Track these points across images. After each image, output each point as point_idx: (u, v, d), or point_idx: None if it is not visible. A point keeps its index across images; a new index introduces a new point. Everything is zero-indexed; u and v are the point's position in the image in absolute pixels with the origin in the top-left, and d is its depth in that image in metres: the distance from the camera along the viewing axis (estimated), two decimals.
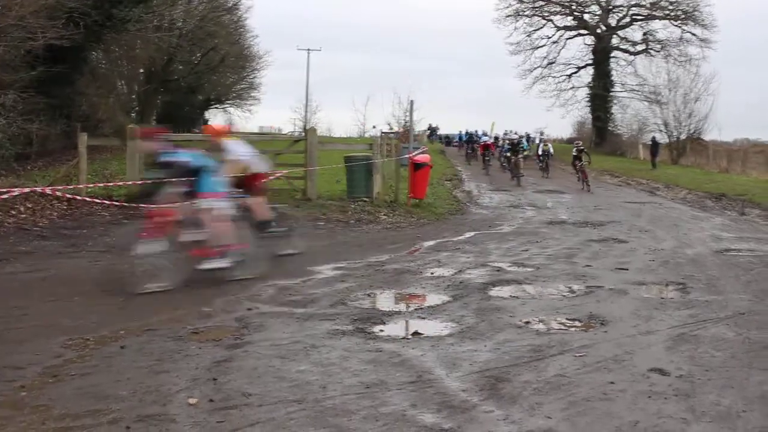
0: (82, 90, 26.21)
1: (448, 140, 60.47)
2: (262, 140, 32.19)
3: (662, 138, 46.19)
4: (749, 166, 36.50)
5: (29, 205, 14.71)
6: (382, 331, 7.33)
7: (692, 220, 17.35)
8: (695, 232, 15.13)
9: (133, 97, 39.88)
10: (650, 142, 42.56)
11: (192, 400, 5.26)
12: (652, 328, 7.44)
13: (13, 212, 14.18)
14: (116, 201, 15.31)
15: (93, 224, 14.44)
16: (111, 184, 16.92)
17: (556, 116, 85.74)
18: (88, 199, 14.85)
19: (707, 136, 47.91)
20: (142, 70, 37.67)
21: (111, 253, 11.53)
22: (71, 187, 16.17)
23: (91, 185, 16.79)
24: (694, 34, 50.98)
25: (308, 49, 66.32)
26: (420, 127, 56.76)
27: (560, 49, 54.82)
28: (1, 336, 6.88)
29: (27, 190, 13.45)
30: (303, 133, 27.77)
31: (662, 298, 8.99)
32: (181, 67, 43.21)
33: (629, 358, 6.40)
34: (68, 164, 19.09)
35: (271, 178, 16.96)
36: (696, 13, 50.87)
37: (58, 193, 15.36)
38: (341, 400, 5.33)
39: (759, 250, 12.59)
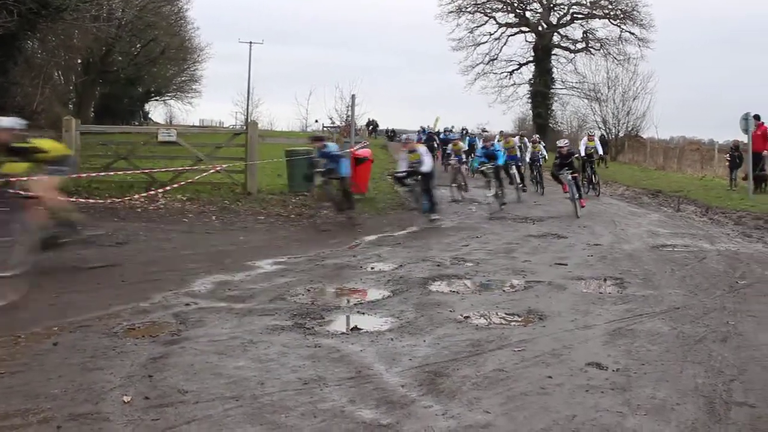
0: (16, 80, 25.62)
1: (392, 135, 60.46)
2: (202, 133, 31.92)
3: (602, 135, 46.90)
4: (685, 163, 37.27)
5: None
6: (321, 326, 7.28)
7: (629, 216, 17.61)
8: (632, 228, 15.36)
9: (71, 88, 39.17)
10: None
11: (126, 398, 5.16)
12: (590, 322, 7.52)
13: None
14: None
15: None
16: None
17: (497, 112, 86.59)
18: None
19: (645, 134, 48.86)
20: (79, 61, 37.04)
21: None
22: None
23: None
24: (632, 34, 51.79)
25: (250, 42, 65.86)
26: (361, 122, 56.68)
27: (502, 46, 55.23)
28: None
29: None
30: (244, 127, 27.48)
31: (600, 293, 9.10)
32: (120, 58, 42.61)
33: (567, 353, 6.46)
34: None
35: (211, 171, 16.81)
36: (634, 12, 51.67)
37: None
38: (279, 396, 5.28)
39: (694, 246, 12.83)
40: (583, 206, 17.39)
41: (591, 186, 22.66)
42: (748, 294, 8.97)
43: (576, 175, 18.11)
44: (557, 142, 20.22)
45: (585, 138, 24.58)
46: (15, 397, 5.15)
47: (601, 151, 25.59)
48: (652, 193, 24.14)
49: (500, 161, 18.70)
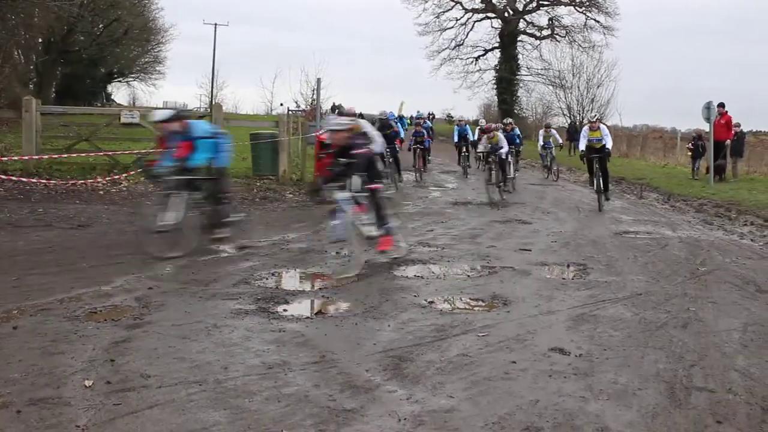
0: None
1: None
2: None
3: (565, 122, 47.27)
4: (648, 151, 37.66)
5: None
6: (285, 310, 7.25)
7: (593, 202, 17.74)
8: (595, 215, 15.50)
9: (31, 67, 38.51)
10: (566, 126, 43.35)
11: (88, 383, 5.09)
12: (554, 308, 7.57)
13: None
14: (12, 176, 14.76)
15: None
16: (5, 158, 16.28)
17: (462, 98, 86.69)
18: None
19: (609, 121, 49.21)
20: (40, 40, 36.42)
21: (4, 230, 11.13)
22: None
23: None
24: (597, 21, 52.18)
25: (215, 24, 65.18)
26: (326, 106, 56.44)
27: (468, 32, 55.37)
28: None
29: None
30: (208, 109, 27.26)
31: (563, 278, 9.17)
32: (82, 38, 41.98)
33: (531, 338, 6.49)
34: None
35: None
36: (600, 0, 52.02)
37: None
38: (243, 380, 5.25)
39: (656, 233, 12.97)
40: None
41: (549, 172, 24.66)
42: (709, 280, 9.09)
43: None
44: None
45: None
46: None
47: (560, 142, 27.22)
48: (615, 180, 24.32)
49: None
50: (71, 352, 5.77)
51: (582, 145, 16.64)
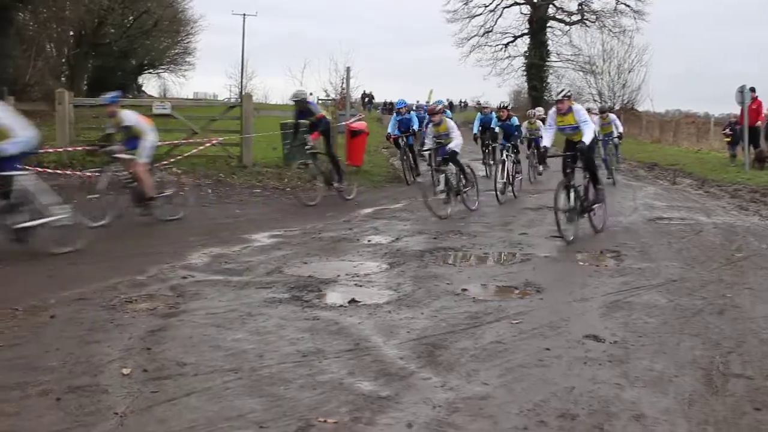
0: (8, 52, 25.40)
1: (390, 108, 60.15)
2: (197, 106, 31.76)
3: (596, 108, 46.82)
4: (680, 136, 37.17)
5: None
6: (318, 299, 7.28)
7: (625, 188, 17.60)
8: (628, 201, 15.37)
9: (63, 60, 38.88)
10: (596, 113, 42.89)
11: (125, 371, 5.15)
12: (587, 295, 7.52)
13: None
14: (47, 168, 14.93)
15: None
16: (41, 150, 16.44)
17: (492, 85, 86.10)
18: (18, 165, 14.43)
19: (640, 107, 48.76)
20: (71, 33, 36.73)
21: None
22: None
23: None
24: (627, 5, 51.47)
25: (244, 14, 65.14)
26: (356, 95, 56.39)
27: (497, 18, 54.81)
28: None
29: None
30: (239, 100, 27.37)
31: (596, 265, 9.11)
32: (113, 30, 42.25)
33: (564, 325, 6.46)
34: None
35: (206, 144, 16.75)
36: None
37: None
38: (278, 368, 5.28)
39: (690, 219, 12.84)
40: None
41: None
42: (745, 267, 8.99)
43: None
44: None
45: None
46: (14, 370, 5.14)
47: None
48: (648, 166, 24.16)
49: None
50: (108, 340, 5.83)
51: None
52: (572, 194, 10.66)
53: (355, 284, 7.96)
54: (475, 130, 19.45)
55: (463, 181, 13.39)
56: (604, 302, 7.23)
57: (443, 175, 13.09)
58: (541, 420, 4.50)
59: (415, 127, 18.63)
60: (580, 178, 10.91)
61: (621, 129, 20.31)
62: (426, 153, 14.82)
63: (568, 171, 10.87)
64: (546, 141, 11.19)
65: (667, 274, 8.45)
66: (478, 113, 20.35)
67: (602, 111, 20.27)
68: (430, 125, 14.06)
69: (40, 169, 14.51)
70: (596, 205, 11.26)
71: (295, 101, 14.89)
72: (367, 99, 63.64)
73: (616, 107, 47.66)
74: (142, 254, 8.97)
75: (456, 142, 13.09)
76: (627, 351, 5.80)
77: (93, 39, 38.77)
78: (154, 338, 5.89)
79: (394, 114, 19.23)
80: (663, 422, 4.51)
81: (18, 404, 4.58)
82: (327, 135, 14.95)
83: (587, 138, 10.61)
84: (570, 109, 10.85)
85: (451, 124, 13.68)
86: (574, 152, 10.89)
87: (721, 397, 4.92)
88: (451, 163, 13.14)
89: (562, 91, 11.56)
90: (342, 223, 11.76)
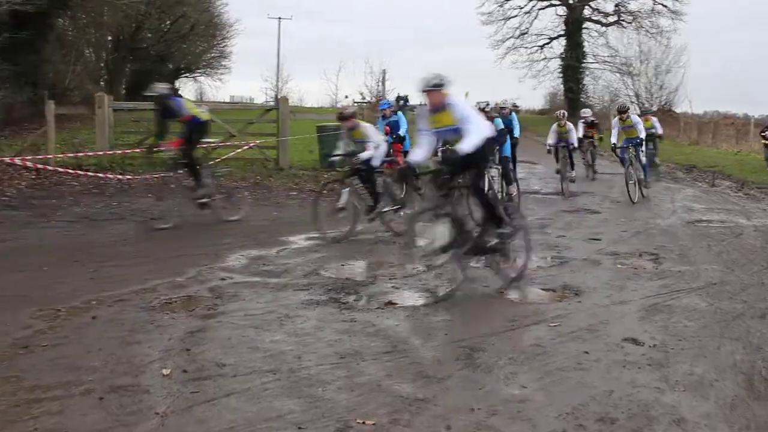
0: (48, 57, 25.78)
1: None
2: (233, 109, 31.99)
3: (634, 110, 46.40)
4: (719, 138, 36.76)
5: None
6: (356, 301, 7.30)
7: (664, 191, 17.42)
8: (667, 203, 15.22)
9: (102, 65, 39.38)
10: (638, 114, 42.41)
11: (165, 371, 5.21)
12: (626, 298, 7.47)
13: None
14: (88, 171, 15.16)
15: (62, 194, 14.29)
16: (81, 153, 16.70)
17: (528, 87, 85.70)
18: (60, 169, 14.70)
19: (678, 108, 48.24)
20: (110, 38, 37.19)
21: (80, 223, 11.43)
22: (39, 156, 15.95)
23: (60, 155, 16.58)
24: (665, 6, 51.03)
25: (279, 18, 65.51)
26: (391, 97, 56.46)
27: (532, 20, 54.62)
28: None
29: None
30: (275, 103, 27.54)
31: (635, 268, 9.03)
32: (150, 35, 42.68)
33: (603, 328, 6.42)
34: (36, 133, 18.80)
35: (244, 147, 16.88)
36: None
37: (28, 164, 15.16)
38: (316, 370, 5.30)
39: (729, 221, 12.68)
40: None
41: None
42: None
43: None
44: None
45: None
46: (57, 370, 5.22)
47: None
48: (686, 168, 23.88)
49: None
50: (148, 341, 5.90)
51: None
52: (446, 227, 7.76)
53: (392, 286, 7.97)
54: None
55: (371, 203, 11.22)
56: (643, 305, 7.17)
57: (347, 189, 11.17)
58: (580, 423, 4.48)
59: (403, 130, 15.60)
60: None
61: (661, 131, 19.91)
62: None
63: (443, 193, 7.87)
64: (418, 156, 7.96)
65: (706, 278, 8.36)
66: (497, 117, 15.32)
67: (643, 113, 19.73)
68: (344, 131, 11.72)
69: (80, 172, 14.75)
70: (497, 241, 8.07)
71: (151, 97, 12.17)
72: (402, 101, 63.69)
73: (654, 109, 47.28)
74: (180, 256, 9.05)
75: (369, 153, 11.00)
76: (666, 354, 5.75)
77: (131, 43, 39.22)
78: (193, 339, 5.95)
79: (380, 118, 16.03)
80: (704, 427, 4.47)
81: (62, 403, 4.65)
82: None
83: (467, 144, 7.51)
84: (444, 105, 7.72)
85: (370, 131, 11.42)
86: (451, 164, 7.78)
87: (763, 401, 4.87)
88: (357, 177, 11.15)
89: (432, 78, 7.70)
90: (378, 226, 11.76)
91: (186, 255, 9.11)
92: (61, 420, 4.43)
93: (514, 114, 16.25)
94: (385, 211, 11.24)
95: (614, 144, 15.90)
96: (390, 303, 7.20)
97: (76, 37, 32.12)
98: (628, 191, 15.24)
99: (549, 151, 17.87)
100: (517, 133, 15.76)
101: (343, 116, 11.42)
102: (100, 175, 15.00)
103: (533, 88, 66.46)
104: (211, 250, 9.45)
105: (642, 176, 15.75)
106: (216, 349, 5.74)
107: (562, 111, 19.02)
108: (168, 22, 43.07)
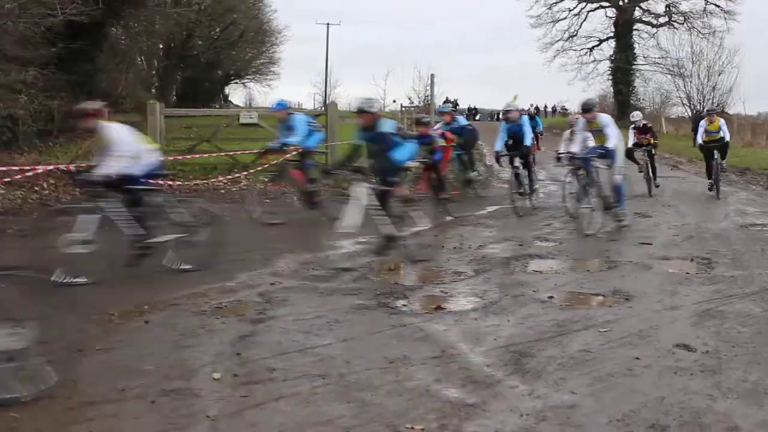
0: (102, 66, 26.19)
1: (474, 113, 59.97)
2: None
3: (685, 111, 45.73)
4: None
5: (52, 182, 14.77)
6: (405, 305, 7.32)
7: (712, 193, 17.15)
8: (719, 207, 14.99)
9: (153, 72, 40.01)
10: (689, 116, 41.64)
11: (216, 375, 5.28)
12: (677, 303, 7.37)
13: (36, 189, 14.26)
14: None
15: None
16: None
17: (577, 90, 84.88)
18: None
19: (731, 110, 47.20)
20: (161, 46, 37.77)
21: None
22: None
23: None
24: (717, 6, 50.18)
25: (327, 23, 65.95)
26: (439, 101, 56.37)
27: (582, 22, 54.16)
28: None
29: (50, 167, 13.51)
30: (323, 108, 27.71)
31: (687, 273, 8.90)
32: (200, 42, 43.24)
33: (654, 334, 6.35)
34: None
35: (293, 152, 16.97)
36: None
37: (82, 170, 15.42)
38: (365, 374, 5.33)
39: None
40: None
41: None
42: None
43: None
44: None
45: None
46: (110, 373, 5.32)
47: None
48: (739, 171, 23.47)
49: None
50: (199, 345, 5.98)
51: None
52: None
53: (441, 291, 7.98)
54: (498, 147, 14.39)
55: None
56: (695, 311, 7.07)
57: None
58: (631, 430, 4.45)
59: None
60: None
61: (728, 136, 17.54)
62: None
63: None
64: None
65: (761, 282, 8.21)
66: (503, 122, 14.61)
67: (709, 112, 18.86)
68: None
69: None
70: None
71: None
72: (451, 106, 63.38)
73: (717, 108, 46.50)
74: (230, 260, 9.14)
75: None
76: (719, 361, 5.67)
77: (181, 51, 39.78)
78: (243, 344, 6.02)
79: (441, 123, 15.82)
80: None
81: (116, 406, 4.75)
82: None
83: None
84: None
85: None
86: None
87: None
88: None
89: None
90: (427, 230, 11.75)
91: (236, 260, 9.19)
92: (115, 423, 4.53)
93: (525, 117, 14.83)
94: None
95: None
96: (439, 308, 7.20)
97: (128, 45, 32.63)
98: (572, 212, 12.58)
99: (558, 159, 13.37)
100: (528, 141, 14.18)
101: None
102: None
103: (582, 90, 65.61)
104: (260, 255, 9.53)
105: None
106: (266, 353, 5.79)
107: (636, 113, 18.72)
108: (218, 30, 43.60)
